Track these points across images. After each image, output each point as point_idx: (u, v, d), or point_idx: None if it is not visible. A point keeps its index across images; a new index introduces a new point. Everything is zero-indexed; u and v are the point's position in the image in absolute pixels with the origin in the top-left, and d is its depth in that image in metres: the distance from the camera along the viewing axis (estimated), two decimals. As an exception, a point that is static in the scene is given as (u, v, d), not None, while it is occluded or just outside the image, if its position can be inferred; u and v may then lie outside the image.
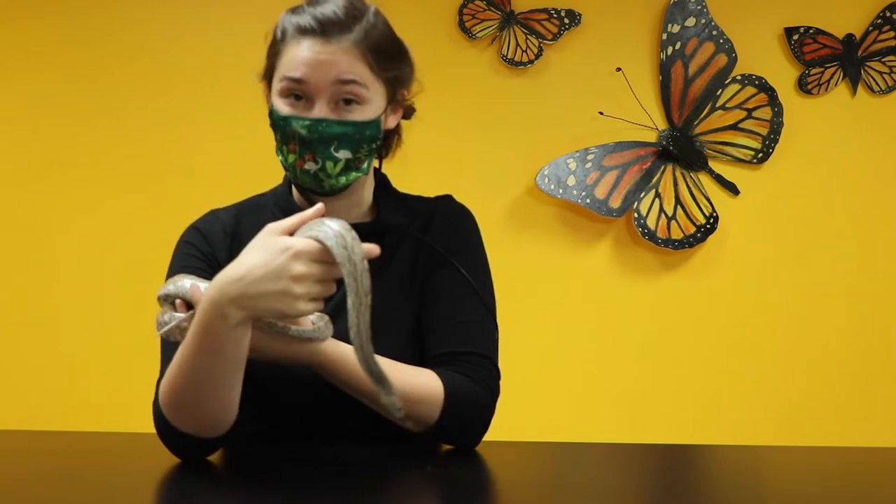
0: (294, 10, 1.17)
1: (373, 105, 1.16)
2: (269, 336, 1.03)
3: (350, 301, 0.95)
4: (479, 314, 1.23)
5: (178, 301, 1.05)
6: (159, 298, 1.07)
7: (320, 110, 1.13)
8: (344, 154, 1.16)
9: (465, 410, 1.14)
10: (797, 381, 2.72)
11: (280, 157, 1.19)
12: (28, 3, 2.64)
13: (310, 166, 1.15)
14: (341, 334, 1.10)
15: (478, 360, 1.19)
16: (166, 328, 1.04)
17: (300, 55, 1.13)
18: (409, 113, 1.27)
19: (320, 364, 1.08)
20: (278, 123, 1.16)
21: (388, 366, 1.11)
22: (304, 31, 1.14)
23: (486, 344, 1.21)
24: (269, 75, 1.20)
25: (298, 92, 1.14)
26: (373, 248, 0.98)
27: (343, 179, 1.18)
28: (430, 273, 1.24)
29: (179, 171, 2.62)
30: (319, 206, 1.02)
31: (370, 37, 1.15)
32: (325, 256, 0.97)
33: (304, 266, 0.96)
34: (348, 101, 1.14)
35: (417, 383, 1.12)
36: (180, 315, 1.03)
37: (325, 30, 1.13)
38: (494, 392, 1.19)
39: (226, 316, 0.96)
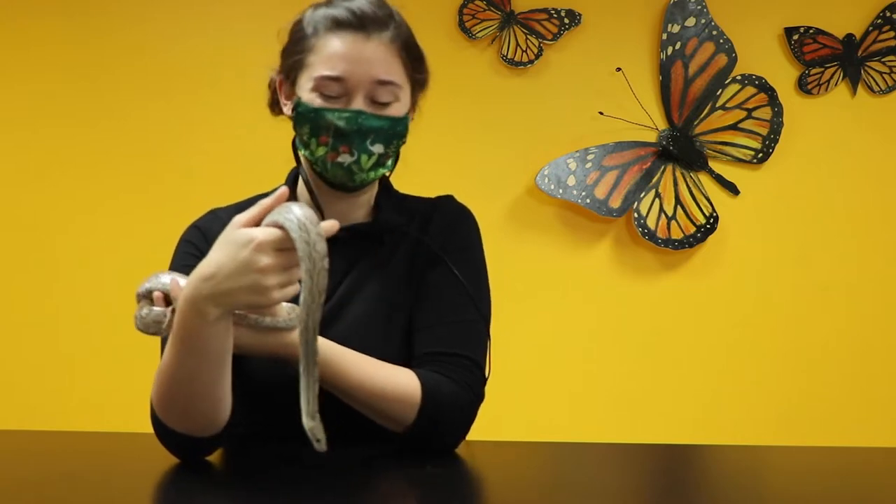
0: (322, 5, 1.16)
1: (402, 103, 1.17)
2: (244, 329, 1.02)
3: (302, 297, 0.92)
4: (469, 315, 1.20)
5: (156, 294, 1.03)
6: (137, 296, 1.06)
7: (357, 104, 1.13)
8: (377, 148, 1.15)
9: (442, 412, 1.11)
10: (797, 381, 2.72)
11: (305, 152, 1.18)
12: (28, 3, 2.64)
13: (344, 158, 1.14)
14: (338, 338, 1.10)
15: (461, 361, 1.16)
16: (144, 321, 1.03)
17: (340, 50, 1.12)
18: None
19: (295, 357, 1.07)
20: (309, 116, 1.14)
21: (367, 363, 1.10)
22: (341, 24, 1.13)
23: (471, 346, 1.18)
24: (293, 73, 1.17)
25: (335, 88, 1.13)
26: (332, 226, 0.94)
27: (372, 174, 1.18)
28: (424, 271, 1.23)
29: (179, 171, 2.62)
30: (281, 191, 0.97)
31: (402, 35, 1.16)
32: (288, 243, 0.94)
33: (269, 258, 0.93)
34: (382, 103, 1.14)
35: (396, 382, 1.10)
36: (158, 309, 1.02)
37: (363, 24, 1.13)
38: (477, 395, 1.17)
39: (203, 313, 0.95)
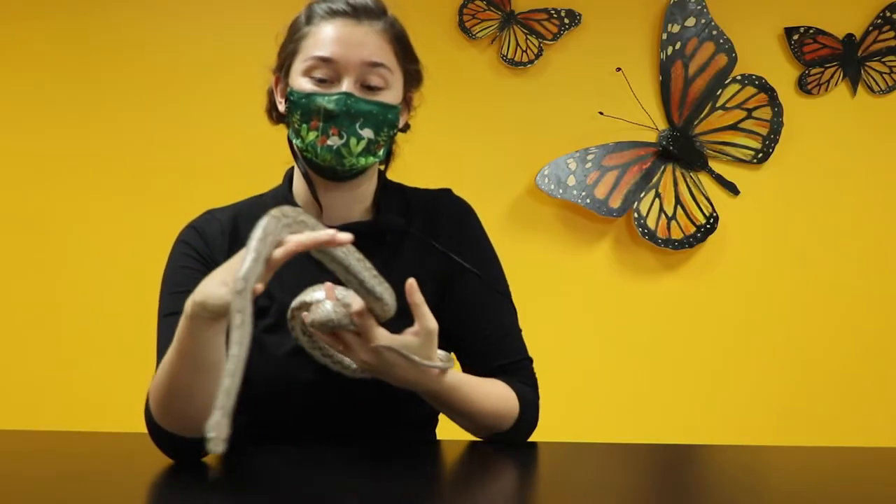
0: (321, 2, 1.20)
1: (393, 92, 1.19)
2: (406, 366, 1.04)
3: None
4: (512, 316, 1.29)
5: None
6: (291, 310, 1.07)
7: (347, 87, 1.15)
8: (367, 133, 1.17)
9: (531, 417, 1.21)
10: (797, 381, 2.72)
11: (296, 141, 1.19)
12: (28, 3, 2.64)
13: (333, 141, 1.15)
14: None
15: (526, 364, 1.26)
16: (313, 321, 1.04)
17: (331, 34, 1.16)
18: (404, 127, 1.28)
19: (439, 391, 1.10)
20: (300, 102, 1.16)
21: (481, 385, 1.17)
22: (335, 13, 1.17)
23: (523, 345, 1.27)
24: (287, 61, 1.20)
25: (325, 71, 1.16)
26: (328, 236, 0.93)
27: (362, 161, 1.18)
28: (453, 284, 1.25)
29: (181, 172, 2.62)
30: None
31: (395, 27, 1.20)
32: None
33: None
34: (372, 87, 1.17)
35: (505, 401, 1.18)
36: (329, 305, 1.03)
37: (357, 12, 1.17)
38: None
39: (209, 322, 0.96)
